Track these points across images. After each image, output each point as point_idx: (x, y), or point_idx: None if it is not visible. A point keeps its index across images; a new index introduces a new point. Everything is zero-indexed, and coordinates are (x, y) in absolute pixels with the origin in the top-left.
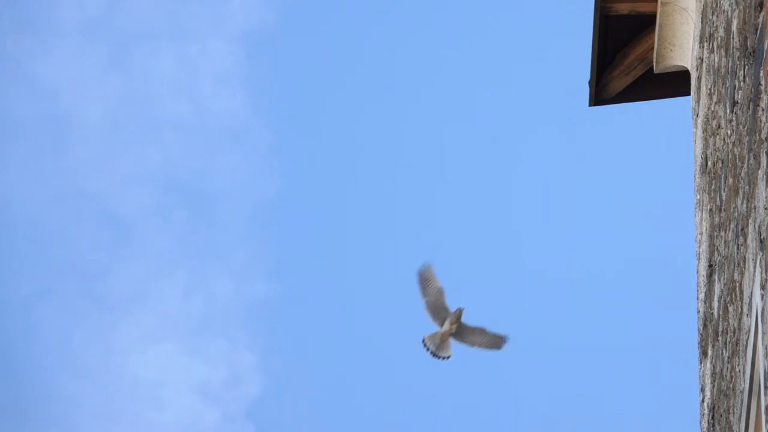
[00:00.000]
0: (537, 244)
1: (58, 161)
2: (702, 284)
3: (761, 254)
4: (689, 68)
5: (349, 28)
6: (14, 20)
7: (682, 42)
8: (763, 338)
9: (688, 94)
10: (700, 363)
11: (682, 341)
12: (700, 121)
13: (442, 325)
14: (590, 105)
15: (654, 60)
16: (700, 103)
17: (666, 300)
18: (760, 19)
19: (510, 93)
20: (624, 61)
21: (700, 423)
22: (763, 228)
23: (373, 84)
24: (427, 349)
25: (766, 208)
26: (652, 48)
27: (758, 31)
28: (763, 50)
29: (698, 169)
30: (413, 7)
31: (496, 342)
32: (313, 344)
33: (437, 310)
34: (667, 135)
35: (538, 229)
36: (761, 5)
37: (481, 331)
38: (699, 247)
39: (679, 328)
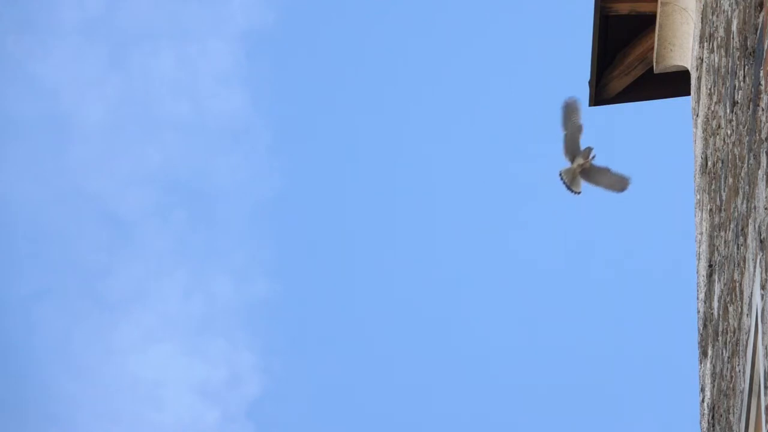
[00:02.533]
0: (537, 244)
1: (58, 161)
2: (702, 284)
3: (761, 254)
4: (689, 68)
5: (349, 29)
6: (14, 20)
7: (682, 42)
8: (763, 338)
9: (688, 94)
10: (700, 363)
11: (682, 341)
12: (700, 121)
13: (572, 161)
14: (590, 105)
15: (654, 60)
16: (700, 103)
17: (666, 300)
18: (760, 19)
19: (509, 93)
20: (624, 61)
21: (700, 423)
22: (763, 228)
23: (373, 84)
24: (563, 182)
25: (766, 208)
26: (652, 48)
27: (758, 31)
28: (763, 50)
29: (698, 169)
30: (413, 7)
31: (620, 183)
32: (313, 344)
33: (571, 145)
34: (667, 135)
35: (537, 229)
36: (761, 5)
37: (606, 171)
38: (699, 247)
39: (679, 328)
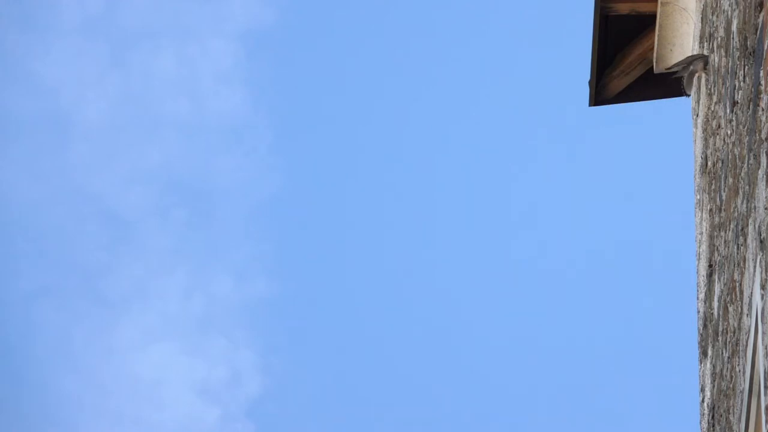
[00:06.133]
0: (537, 244)
1: (58, 160)
2: (702, 284)
3: (761, 254)
4: None
5: (349, 28)
6: (15, 18)
7: (682, 42)
8: (763, 338)
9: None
10: (700, 363)
11: (682, 341)
12: (700, 121)
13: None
14: (590, 105)
15: (654, 60)
16: (700, 103)
17: (665, 300)
18: (760, 19)
19: (510, 93)
20: (624, 61)
21: (700, 423)
22: (763, 228)
23: (373, 83)
24: (682, 84)
25: (766, 208)
26: (652, 48)
27: (758, 31)
28: (763, 50)
29: (698, 169)
30: (413, 6)
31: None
32: (313, 343)
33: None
34: (667, 135)
35: (538, 229)
36: (761, 5)
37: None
38: (699, 247)
39: (678, 327)
